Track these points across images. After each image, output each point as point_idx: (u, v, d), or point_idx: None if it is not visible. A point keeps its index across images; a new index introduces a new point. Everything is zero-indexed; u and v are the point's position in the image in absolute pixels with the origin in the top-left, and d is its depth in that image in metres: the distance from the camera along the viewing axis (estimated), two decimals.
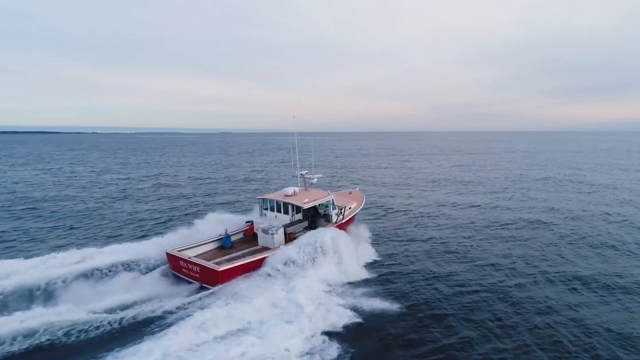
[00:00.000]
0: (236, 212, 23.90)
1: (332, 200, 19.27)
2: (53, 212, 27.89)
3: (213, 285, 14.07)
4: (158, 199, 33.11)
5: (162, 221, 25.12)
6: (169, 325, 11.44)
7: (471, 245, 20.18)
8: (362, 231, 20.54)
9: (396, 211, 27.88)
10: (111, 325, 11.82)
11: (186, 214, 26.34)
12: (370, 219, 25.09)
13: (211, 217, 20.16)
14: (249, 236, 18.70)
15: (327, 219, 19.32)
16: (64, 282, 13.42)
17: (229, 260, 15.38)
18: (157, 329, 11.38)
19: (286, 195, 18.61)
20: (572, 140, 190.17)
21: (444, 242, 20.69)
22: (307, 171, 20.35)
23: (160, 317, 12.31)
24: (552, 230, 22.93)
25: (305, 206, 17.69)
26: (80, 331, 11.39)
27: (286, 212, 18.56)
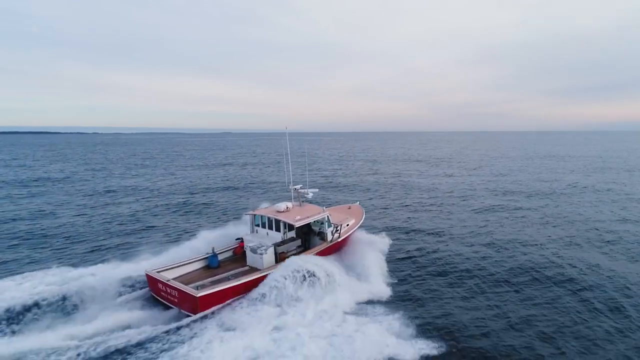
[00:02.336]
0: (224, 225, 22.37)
1: (327, 217, 18.12)
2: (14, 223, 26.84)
3: (193, 312, 12.96)
4: (142, 209, 31.90)
5: (144, 236, 23.40)
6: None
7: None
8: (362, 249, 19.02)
9: (405, 228, 25.94)
10: (79, 355, 10.83)
11: (173, 229, 24.84)
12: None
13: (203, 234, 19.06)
14: (239, 254, 17.62)
15: (322, 237, 18.17)
16: (28, 306, 12.46)
17: (211, 284, 14.31)
18: None
19: (278, 212, 17.54)
20: (580, 140, 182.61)
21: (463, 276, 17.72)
22: (301, 185, 19.27)
23: (132, 348, 11.29)
24: None
25: (297, 224, 16.58)
26: None
27: (278, 230, 17.46)
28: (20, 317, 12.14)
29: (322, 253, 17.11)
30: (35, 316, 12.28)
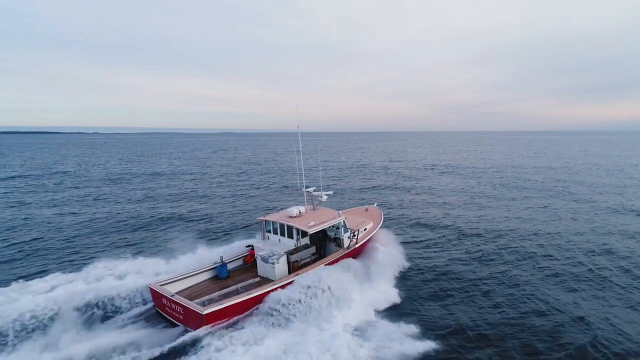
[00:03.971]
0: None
1: (344, 221, 16.79)
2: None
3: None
4: (148, 211, 30.81)
5: (146, 245, 21.69)
6: None
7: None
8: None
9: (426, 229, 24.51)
10: None
11: (176, 238, 22.43)
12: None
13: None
14: (249, 263, 16.46)
15: (338, 243, 16.85)
16: (18, 326, 11.53)
17: (220, 298, 13.18)
18: None
19: (290, 217, 16.29)
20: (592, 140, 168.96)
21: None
22: (314, 188, 17.96)
23: None
24: None
25: (311, 231, 15.28)
26: None
27: (290, 236, 16.23)
28: (7, 338, 11.23)
29: (338, 261, 15.83)
30: (26, 336, 11.35)
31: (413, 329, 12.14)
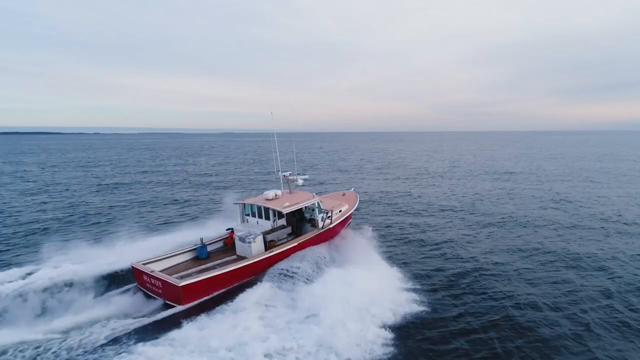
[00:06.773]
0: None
1: (318, 203, 17.72)
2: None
3: (177, 302, 12.71)
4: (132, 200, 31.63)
5: (129, 229, 21.96)
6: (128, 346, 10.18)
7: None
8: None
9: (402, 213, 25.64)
10: (65, 347, 10.64)
11: (160, 223, 23.93)
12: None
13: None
14: (230, 245, 17.33)
15: (313, 223, 17.79)
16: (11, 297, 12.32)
17: (196, 273, 14.04)
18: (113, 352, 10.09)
19: (267, 199, 17.19)
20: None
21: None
22: (290, 172, 18.84)
23: (113, 341, 11.06)
24: None
25: (285, 211, 16.21)
26: (29, 354, 10.21)
27: (267, 218, 17.14)
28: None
29: (313, 240, 16.80)
30: (18, 310, 12.11)
31: None
